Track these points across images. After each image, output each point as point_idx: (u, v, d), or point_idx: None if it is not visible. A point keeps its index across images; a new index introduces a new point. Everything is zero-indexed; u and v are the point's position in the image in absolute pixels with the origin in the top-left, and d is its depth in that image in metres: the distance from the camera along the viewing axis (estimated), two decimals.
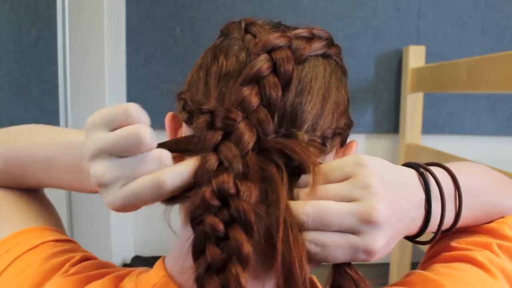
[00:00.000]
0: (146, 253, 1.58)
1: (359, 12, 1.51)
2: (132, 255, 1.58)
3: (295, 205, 0.34)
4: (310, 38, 0.39)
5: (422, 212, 0.37)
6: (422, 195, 0.37)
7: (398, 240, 0.36)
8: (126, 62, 1.49)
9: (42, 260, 0.41)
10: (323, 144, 0.38)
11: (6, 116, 1.52)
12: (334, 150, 0.40)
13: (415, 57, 1.46)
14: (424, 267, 0.44)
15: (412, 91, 1.46)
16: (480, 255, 0.42)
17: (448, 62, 1.25)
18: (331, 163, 0.36)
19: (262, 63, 0.36)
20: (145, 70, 1.50)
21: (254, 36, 0.39)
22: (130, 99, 1.50)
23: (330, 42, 0.41)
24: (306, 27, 0.40)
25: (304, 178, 0.36)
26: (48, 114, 1.50)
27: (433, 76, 1.35)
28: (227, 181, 0.32)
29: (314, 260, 0.34)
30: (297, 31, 0.39)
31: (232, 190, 0.32)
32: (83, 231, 1.36)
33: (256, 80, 0.35)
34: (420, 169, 0.38)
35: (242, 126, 0.34)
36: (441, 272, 0.41)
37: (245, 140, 0.34)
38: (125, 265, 1.40)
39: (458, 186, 0.40)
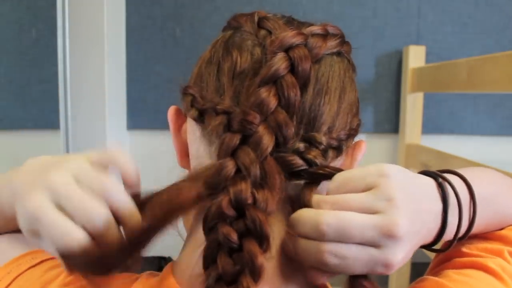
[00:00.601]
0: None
1: (359, 12, 1.51)
2: None
3: (314, 214, 0.33)
4: (325, 36, 0.38)
5: (438, 222, 0.37)
6: (440, 206, 0.36)
7: (414, 251, 0.36)
8: (126, 62, 1.49)
9: (40, 274, 0.41)
10: (339, 147, 0.37)
11: (6, 116, 1.52)
12: (344, 152, 0.40)
13: (415, 57, 1.46)
14: (435, 273, 0.43)
15: (412, 91, 1.46)
16: (492, 262, 0.41)
17: (448, 62, 1.24)
18: (352, 171, 0.35)
19: (280, 62, 0.34)
20: (145, 70, 1.50)
21: (269, 31, 0.37)
22: (130, 99, 1.50)
23: (343, 40, 0.40)
24: (320, 24, 0.39)
25: (324, 185, 0.35)
26: (48, 114, 1.50)
27: (433, 76, 1.34)
28: (245, 190, 0.31)
29: (331, 271, 0.33)
30: (312, 28, 0.38)
31: (249, 200, 0.31)
32: None
33: (274, 80, 0.34)
34: (439, 179, 0.38)
35: (261, 129, 0.33)
36: (454, 279, 0.40)
37: (264, 145, 0.33)
38: None
39: (473, 195, 0.40)
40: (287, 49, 0.35)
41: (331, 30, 0.39)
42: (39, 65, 1.49)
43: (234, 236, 0.30)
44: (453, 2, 1.52)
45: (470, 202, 0.40)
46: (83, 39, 1.27)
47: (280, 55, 0.35)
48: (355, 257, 0.32)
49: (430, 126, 1.55)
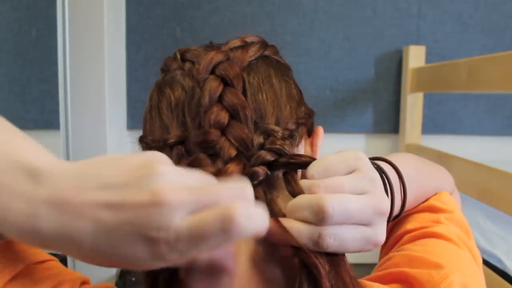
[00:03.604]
0: None
1: (359, 12, 1.51)
2: None
3: (315, 198, 0.33)
4: (244, 46, 0.41)
5: None
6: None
7: None
8: (126, 62, 1.49)
9: None
10: (291, 136, 0.39)
11: (6, 116, 1.52)
12: (302, 141, 0.42)
13: (415, 57, 1.46)
14: (396, 252, 0.46)
15: (412, 91, 1.46)
16: (438, 228, 0.46)
17: (448, 62, 1.24)
18: (328, 157, 0.36)
19: (212, 83, 0.37)
20: (145, 70, 1.50)
21: (192, 62, 0.40)
22: (130, 99, 1.50)
23: (264, 44, 0.43)
24: (237, 37, 0.42)
25: (306, 172, 0.36)
26: (48, 114, 1.50)
27: (433, 76, 1.35)
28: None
29: (324, 252, 0.34)
30: (230, 44, 0.41)
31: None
32: None
33: (218, 99, 0.37)
34: (375, 166, 0.41)
35: (222, 141, 0.35)
36: (416, 250, 0.44)
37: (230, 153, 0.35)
38: None
39: (402, 178, 0.45)
40: (213, 70, 0.38)
41: (249, 39, 0.42)
42: (39, 65, 1.49)
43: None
44: (453, 2, 1.52)
45: (400, 184, 0.45)
46: (83, 39, 1.27)
47: (210, 78, 0.38)
48: (352, 237, 0.34)
49: (430, 126, 1.55)
